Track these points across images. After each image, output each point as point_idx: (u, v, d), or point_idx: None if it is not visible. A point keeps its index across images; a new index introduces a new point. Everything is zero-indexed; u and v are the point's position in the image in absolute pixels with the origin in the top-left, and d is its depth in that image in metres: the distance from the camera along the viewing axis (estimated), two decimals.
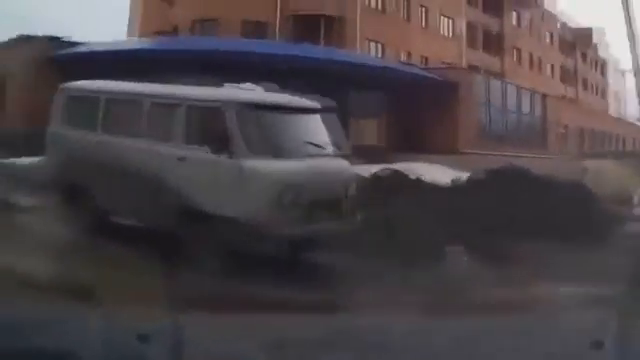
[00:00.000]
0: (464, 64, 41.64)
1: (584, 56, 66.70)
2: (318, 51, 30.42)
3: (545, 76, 55.86)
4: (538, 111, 38.95)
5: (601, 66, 71.62)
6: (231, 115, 8.79)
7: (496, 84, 36.01)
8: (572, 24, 64.13)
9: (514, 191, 12.15)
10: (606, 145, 47.92)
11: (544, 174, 14.25)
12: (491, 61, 47.99)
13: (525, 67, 52.86)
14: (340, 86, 23.55)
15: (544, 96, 40.87)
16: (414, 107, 28.12)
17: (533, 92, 40.16)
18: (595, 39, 68.14)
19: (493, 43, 48.94)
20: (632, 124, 59.03)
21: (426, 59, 39.12)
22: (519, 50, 52.65)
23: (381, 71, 29.87)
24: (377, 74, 29.07)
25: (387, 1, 37.62)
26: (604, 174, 18.77)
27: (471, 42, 45.56)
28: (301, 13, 34.28)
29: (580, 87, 64.02)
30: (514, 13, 52.76)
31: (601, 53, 70.67)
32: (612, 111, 68.29)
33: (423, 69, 33.99)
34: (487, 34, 48.19)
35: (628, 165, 22.45)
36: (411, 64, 35.26)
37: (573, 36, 64.09)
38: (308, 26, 33.92)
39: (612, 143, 50.54)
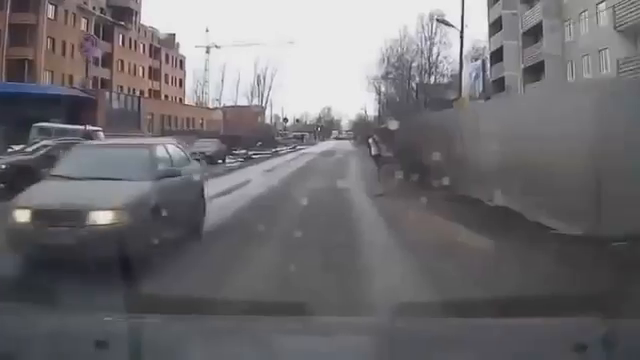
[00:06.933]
0: (91, 77, 62.96)
1: (167, 57, 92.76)
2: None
3: (138, 77, 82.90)
4: (135, 106, 65.74)
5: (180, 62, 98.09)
6: None
7: (115, 95, 64.58)
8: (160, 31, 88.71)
9: None
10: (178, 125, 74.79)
11: None
12: (105, 72, 73.09)
13: (125, 73, 79.19)
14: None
15: (139, 97, 70.74)
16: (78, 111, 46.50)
17: (133, 95, 71.07)
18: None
19: (106, 60, 72.19)
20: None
21: (71, 77, 62.61)
22: (122, 61, 78.23)
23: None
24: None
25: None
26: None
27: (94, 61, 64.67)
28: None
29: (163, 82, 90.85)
30: (121, 36, 78.26)
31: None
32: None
33: (82, 90, 56.40)
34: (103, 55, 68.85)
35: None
36: (74, 87, 58.36)
37: (160, 42, 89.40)
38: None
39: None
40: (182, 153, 13.50)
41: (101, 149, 12.89)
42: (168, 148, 12.61)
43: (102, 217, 9.05)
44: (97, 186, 9.98)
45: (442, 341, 2.76)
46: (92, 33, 65.22)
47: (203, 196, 13.82)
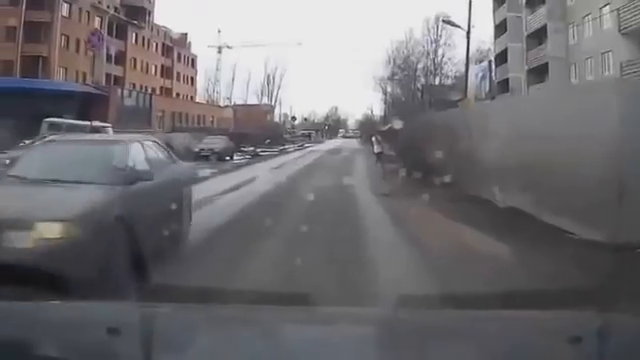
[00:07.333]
0: (104, 74, 64.41)
1: (179, 55, 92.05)
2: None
3: (150, 75, 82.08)
4: (147, 103, 66.22)
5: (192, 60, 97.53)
6: None
7: (126, 92, 64.29)
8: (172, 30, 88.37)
9: None
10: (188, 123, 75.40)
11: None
12: (118, 70, 71.57)
13: (138, 70, 78.27)
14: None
15: (151, 95, 71.16)
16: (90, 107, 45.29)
17: (145, 93, 70.76)
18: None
19: (119, 58, 71.71)
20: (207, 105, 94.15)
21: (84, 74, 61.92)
22: (135, 59, 77.39)
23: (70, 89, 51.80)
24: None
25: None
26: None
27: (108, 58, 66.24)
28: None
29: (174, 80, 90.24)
30: (134, 34, 77.44)
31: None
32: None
33: (95, 87, 56.91)
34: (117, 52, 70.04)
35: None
36: (88, 84, 58.07)
37: (172, 41, 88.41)
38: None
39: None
40: (164, 152, 11.65)
41: (67, 146, 10.65)
42: (145, 146, 10.62)
43: (48, 230, 7.22)
44: (51, 191, 8.26)
45: (442, 332, 2.77)
46: (106, 31, 65.20)
47: (189, 203, 11.92)
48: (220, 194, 18.67)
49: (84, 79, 61.04)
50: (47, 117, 33.73)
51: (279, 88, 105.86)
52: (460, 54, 49.39)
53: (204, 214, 13.44)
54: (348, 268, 8.83)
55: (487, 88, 56.49)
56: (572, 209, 11.09)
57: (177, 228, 10.69)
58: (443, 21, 52.87)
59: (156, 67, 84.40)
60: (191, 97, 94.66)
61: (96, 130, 29.88)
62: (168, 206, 10.24)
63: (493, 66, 60.29)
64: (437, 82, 67.42)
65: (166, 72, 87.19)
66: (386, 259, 9.95)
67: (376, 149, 31.33)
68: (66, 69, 61.27)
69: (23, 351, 2.14)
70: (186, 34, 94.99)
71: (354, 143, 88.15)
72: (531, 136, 13.25)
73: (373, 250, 10.65)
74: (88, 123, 33.75)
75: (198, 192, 18.21)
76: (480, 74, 58.36)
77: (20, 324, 2.51)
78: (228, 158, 42.84)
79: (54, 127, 31.21)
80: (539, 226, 11.79)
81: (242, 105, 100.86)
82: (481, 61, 62.42)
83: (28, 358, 2.10)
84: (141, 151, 10.30)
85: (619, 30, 39.94)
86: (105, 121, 39.63)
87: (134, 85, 73.75)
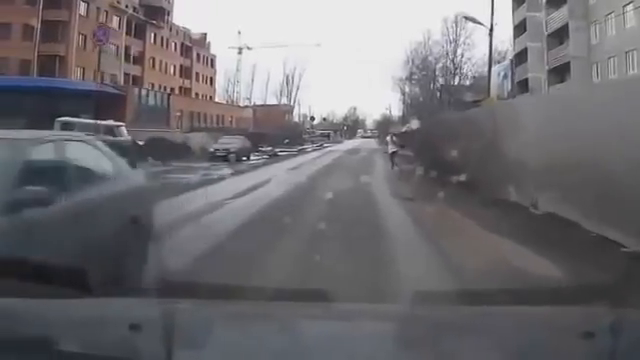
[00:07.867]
0: (122, 73, 67.57)
1: (198, 55, 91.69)
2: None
3: (169, 75, 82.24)
4: (165, 103, 66.72)
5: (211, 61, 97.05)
6: None
7: (144, 92, 64.61)
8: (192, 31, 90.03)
9: None
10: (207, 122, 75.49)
11: None
12: (137, 69, 72.87)
13: (156, 70, 78.22)
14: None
15: (169, 94, 71.65)
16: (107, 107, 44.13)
17: (163, 92, 71.29)
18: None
19: (138, 58, 73.32)
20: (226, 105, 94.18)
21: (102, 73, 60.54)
22: (153, 59, 77.29)
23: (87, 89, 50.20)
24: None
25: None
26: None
27: (126, 58, 69.97)
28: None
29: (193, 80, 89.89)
30: (153, 34, 77.26)
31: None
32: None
33: (113, 87, 58.45)
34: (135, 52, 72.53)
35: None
36: (105, 84, 57.79)
37: (191, 41, 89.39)
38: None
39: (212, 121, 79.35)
40: (103, 158, 7.80)
41: None
42: (65, 149, 6.90)
43: None
44: None
45: (457, 328, 2.74)
46: (124, 31, 64.92)
47: (144, 239, 7.71)
48: (231, 198, 17.76)
49: (102, 79, 60.68)
50: (64, 116, 33.18)
51: (298, 88, 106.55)
52: (479, 54, 48.78)
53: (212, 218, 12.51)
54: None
55: (509, 87, 55.69)
56: (624, 218, 9.74)
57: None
58: (465, 18, 51.91)
59: (175, 67, 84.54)
60: (210, 97, 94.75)
61: (109, 130, 29.16)
62: (88, 247, 6.11)
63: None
64: (456, 82, 66.80)
65: (185, 72, 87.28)
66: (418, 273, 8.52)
67: (390, 149, 31.67)
68: (83, 69, 61.06)
69: (47, 348, 2.14)
70: (205, 34, 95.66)
71: (372, 143, 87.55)
72: (574, 135, 11.84)
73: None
74: (101, 122, 32.96)
75: (212, 194, 17.58)
76: (502, 73, 57.62)
77: (43, 321, 2.51)
78: (245, 158, 41.57)
79: (67, 126, 30.54)
80: (585, 237, 10.54)
81: (261, 105, 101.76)
82: (499, 62, 61.55)
83: (52, 355, 2.10)
84: (51, 157, 6.61)
85: None
86: (122, 120, 39.04)
87: (153, 85, 73.75)
